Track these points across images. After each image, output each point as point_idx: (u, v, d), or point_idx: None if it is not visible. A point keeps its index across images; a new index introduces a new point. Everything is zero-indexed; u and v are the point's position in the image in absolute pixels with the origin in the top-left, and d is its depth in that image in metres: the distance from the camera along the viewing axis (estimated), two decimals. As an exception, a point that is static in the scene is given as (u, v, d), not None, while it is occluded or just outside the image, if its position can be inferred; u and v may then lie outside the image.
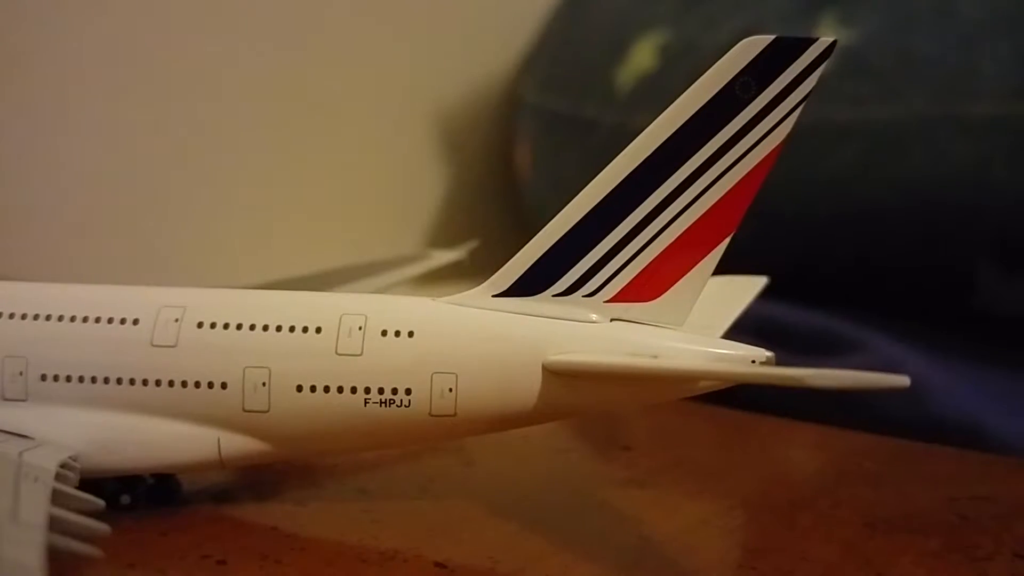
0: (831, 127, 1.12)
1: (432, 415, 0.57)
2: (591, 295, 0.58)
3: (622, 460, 0.69)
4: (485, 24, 1.67)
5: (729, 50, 1.32)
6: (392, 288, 0.82)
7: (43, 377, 0.57)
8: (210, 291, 0.61)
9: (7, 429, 0.57)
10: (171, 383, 0.57)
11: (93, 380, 0.57)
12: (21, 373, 0.58)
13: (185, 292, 0.60)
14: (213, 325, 0.58)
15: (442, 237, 1.69)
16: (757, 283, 0.71)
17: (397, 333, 0.57)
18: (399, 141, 1.62)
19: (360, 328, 0.58)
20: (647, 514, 0.61)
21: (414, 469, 0.67)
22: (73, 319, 0.58)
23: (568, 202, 1.59)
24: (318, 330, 0.58)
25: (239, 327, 0.58)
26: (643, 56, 1.38)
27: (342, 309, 0.58)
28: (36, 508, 0.43)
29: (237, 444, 0.58)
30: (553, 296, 0.58)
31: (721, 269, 0.59)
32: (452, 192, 1.70)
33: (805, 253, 1.12)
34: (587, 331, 0.58)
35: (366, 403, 0.57)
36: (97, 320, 0.58)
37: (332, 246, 1.50)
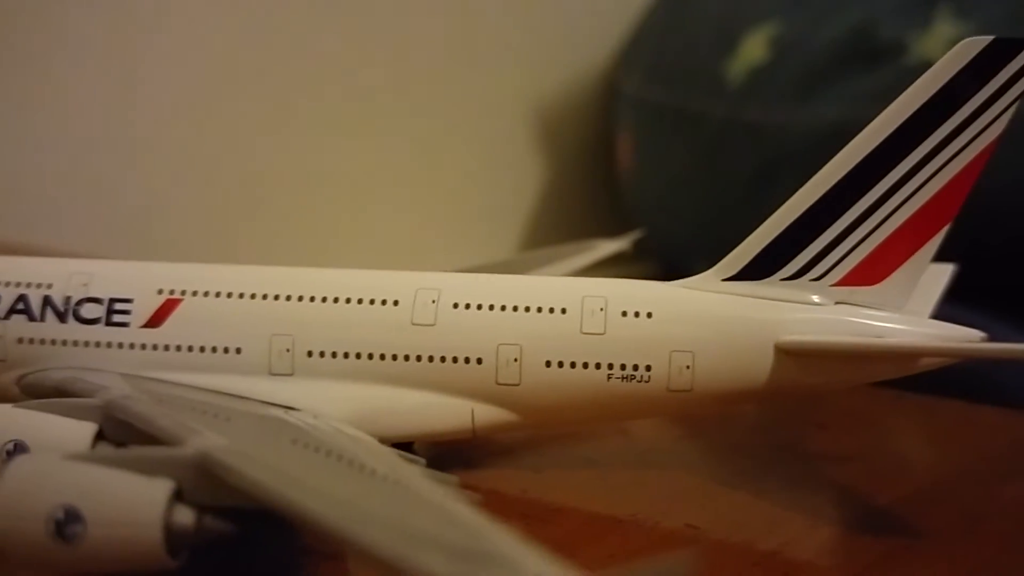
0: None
1: (670, 390, 0.61)
2: (818, 279, 0.62)
3: (822, 438, 0.74)
4: (580, 15, 1.70)
5: (845, 42, 1.33)
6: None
7: (309, 353, 0.62)
8: (460, 275, 0.66)
9: (274, 401, 0.62)
10: (430, 358, 0.62)
11: (357, 356, 0.62)
12: (288, 350, 0.63)
13: (437, 276, 0.65)
14: (468, 306, 0.63)
15: (539, 228, 1.72)
16: (945, 269, 0.75)
17: (636, 314, 0.62)
18: (494, 133, 1.65)
19: (602, 309, 0.62)
20: (862, 486, 0.65)
21: (629, 441, 0.71)
22: (336, 300, 0.63)
23: (674, 193, 1.60)
24: (563, 311, 0.62)
25: (491, 308, 0.63)
26: (754, 48, 1.41)
27: (584, 292, 0.63)
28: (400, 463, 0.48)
29: (489, 414, 0.63)
30: (781, 280, 0.62)
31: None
32: (548, 183, 1.73)
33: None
34: (816, 313, 0.62)
35: (609, 378, 0.61)
36: (360, 301, 0.63)
37: (433, 237, 1.55)
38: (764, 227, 0.63)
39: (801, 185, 1.27)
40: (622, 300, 0.62)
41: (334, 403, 0.62)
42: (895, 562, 0.54)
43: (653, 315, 0.62)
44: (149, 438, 0.50)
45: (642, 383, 0.61)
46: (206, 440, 0.45)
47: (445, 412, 0.63)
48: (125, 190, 1.27)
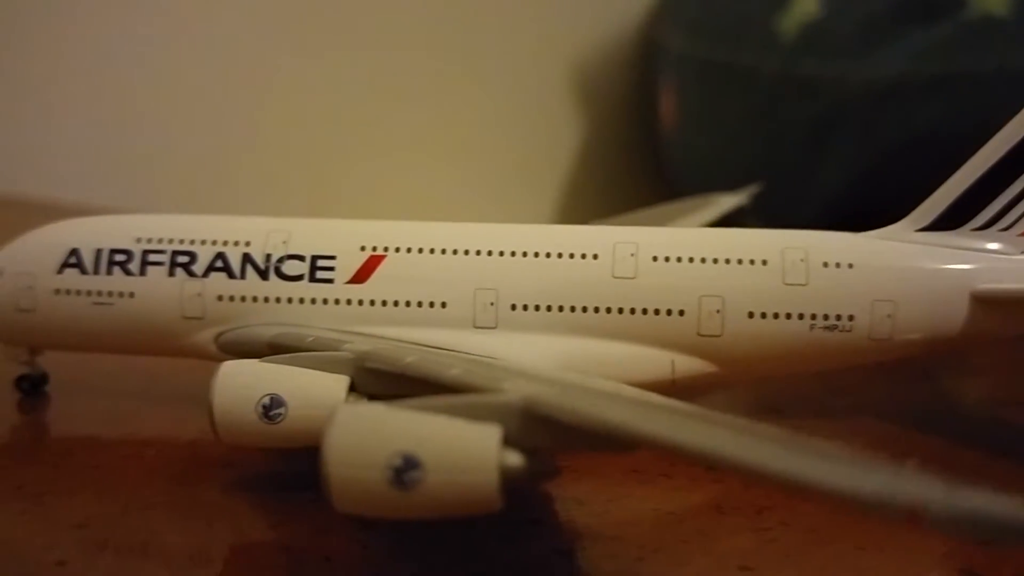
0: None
1: (870, 338, 0.63)
2: (1006, 229, 0.64)
3: (981, 384, 0.76)
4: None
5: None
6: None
7: (513, 307, 0.63)
8: (653, 229, 0.66)
9: (478, 353, 0.62)
10: (632, 311, 0.63)
11: (560, 309, 0.63)
12: (492, 303, 0.63)
13: (631, 230, 0.66)
14: (667, 259, 0.64)
15: (578, 188, 1.72)
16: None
17: (838, 264, 0.63)
18: (530, 91, 1.64)
19: (803, 260, 0.63)
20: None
21: (803, 390, 0.72)
22: (537, 255, 0.64)
23: (724, 150, 1.60)
24: (764, 262, 0.63)
25: (691, 260, 0.64)
26: (807, 2, 1.41)
27: (782, 243, 0.64)
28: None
29: (689, 365, 0.64)
30: (972, 230, 0.64)
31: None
32: (586, 142, 1.73)
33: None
34: (1006, 263, 0.64)
35: (812, 328, 0.63)
36: (559, 256, 0.64)
37: (468, 197, 1.55)
38: (955, 178, 0.65)
39: (859, 140, 1.28)
40: (822, 251, 0.64)
41: (535, 355, 0.63)
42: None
43: (854, 265, 0.63)
44: (410, 389, 0.50)
45: (844, 333, 0.63)
46: (527, 386, 0.46)
47: (646, 363, 0.64)
48: (165, 146, 1.27)
